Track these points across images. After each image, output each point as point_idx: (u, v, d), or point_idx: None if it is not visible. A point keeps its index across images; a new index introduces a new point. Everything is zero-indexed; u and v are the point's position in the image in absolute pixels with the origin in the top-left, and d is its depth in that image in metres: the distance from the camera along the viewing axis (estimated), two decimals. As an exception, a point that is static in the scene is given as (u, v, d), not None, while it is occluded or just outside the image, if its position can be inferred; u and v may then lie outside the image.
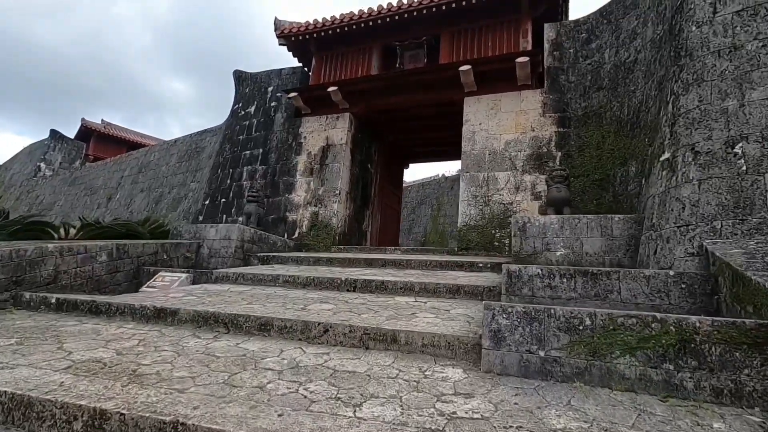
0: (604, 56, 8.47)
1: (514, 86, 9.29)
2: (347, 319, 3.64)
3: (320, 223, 10.31)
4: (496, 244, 8.49)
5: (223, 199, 11.82)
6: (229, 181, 11.97)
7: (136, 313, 4.21)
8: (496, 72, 9.26)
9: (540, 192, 8.46)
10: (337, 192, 10.38)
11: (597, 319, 2.72)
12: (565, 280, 4.38)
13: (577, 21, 9.25)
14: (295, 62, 12.60)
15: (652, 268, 4.98)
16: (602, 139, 7.98)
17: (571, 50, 9.08)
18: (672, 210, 4.64)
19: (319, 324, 3.48)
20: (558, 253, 5.96)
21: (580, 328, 2.74)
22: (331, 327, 3.44)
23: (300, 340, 3.50)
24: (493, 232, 8.59)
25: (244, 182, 11.64)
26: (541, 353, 2.78)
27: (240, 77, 13.22)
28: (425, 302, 4.65)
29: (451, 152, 13.22)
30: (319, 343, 3.41)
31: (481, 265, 6.60)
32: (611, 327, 2.66)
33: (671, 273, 3.94)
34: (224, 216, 11.51)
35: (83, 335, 3.58)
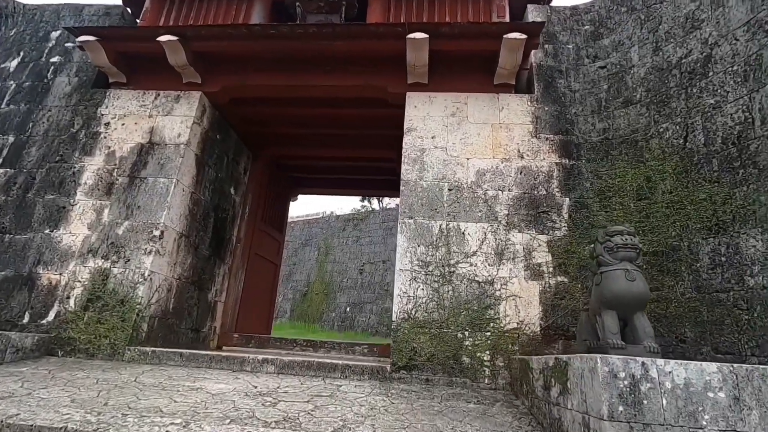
0: (630, 56, 5.42)
1: (488, 84, 5.71)
2: None
3: (110, 295, 5.02)
4: (467, 361, 4.41)
5: None
6: (-73, 192, 5.87)
7: None
8: (463, 55, 5.59)
9: (540, 264, 4.75)
10: (157, 232, 5.29)
11: None
12: None
13: (575, 8, 6.22)
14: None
15: None
16: (647, 182, 4.69)
17: (571, 46, 5.93)
18: None
19: None
20: (743, 485, 2.07)
21: None
22: None
23: None
24: (461, 335, 4.52)
25: (-40, 196, 5.72)
26: None
27: (3, 10, 7.37)
28: None
29: (373, 183, 9.06)
30: None
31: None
32: None
33: None
34: None
35: None
